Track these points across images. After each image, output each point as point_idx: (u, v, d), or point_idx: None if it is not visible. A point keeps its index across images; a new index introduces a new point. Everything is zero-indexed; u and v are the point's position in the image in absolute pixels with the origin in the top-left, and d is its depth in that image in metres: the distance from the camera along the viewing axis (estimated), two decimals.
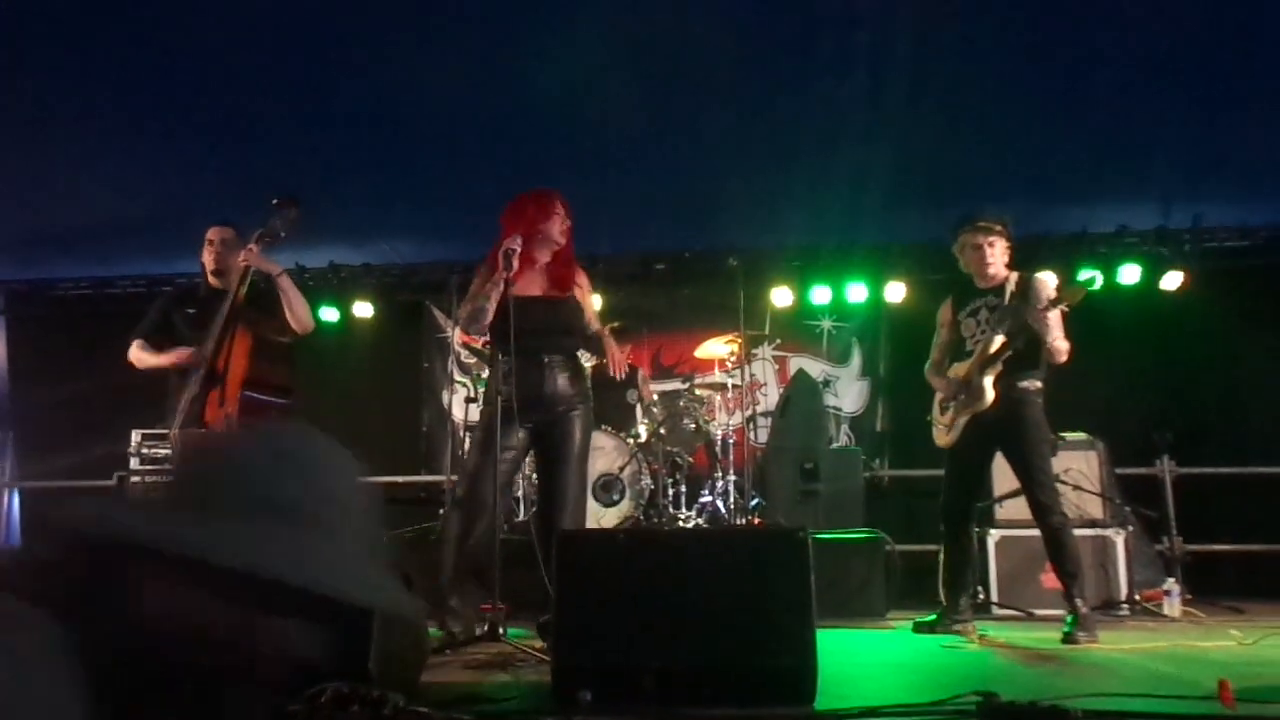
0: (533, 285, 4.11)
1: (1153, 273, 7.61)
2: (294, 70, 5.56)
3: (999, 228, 4.62)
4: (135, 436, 6.48)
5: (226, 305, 4.16)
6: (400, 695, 2.29)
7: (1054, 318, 4.43)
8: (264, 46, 5.30)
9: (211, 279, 4.58)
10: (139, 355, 4.54)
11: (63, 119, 5.99)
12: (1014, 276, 4.63)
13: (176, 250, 7.94)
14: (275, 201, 4.26)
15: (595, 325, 4.30)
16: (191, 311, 4.53)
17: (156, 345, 4.53)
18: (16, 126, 6.05)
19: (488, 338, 4.31)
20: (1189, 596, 5.81)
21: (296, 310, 4.39)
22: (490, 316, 4.04)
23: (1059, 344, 4.42)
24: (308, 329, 4.49)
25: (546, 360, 4.08)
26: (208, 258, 4.59)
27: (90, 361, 7.89)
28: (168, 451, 6.43)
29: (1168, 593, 5.54)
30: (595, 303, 4.76)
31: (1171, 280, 7.58)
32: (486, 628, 3.63)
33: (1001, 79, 5.63)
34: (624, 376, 4.32)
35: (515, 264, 3.92)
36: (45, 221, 7.42)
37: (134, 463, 6.46)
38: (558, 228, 4.14)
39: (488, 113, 5.97)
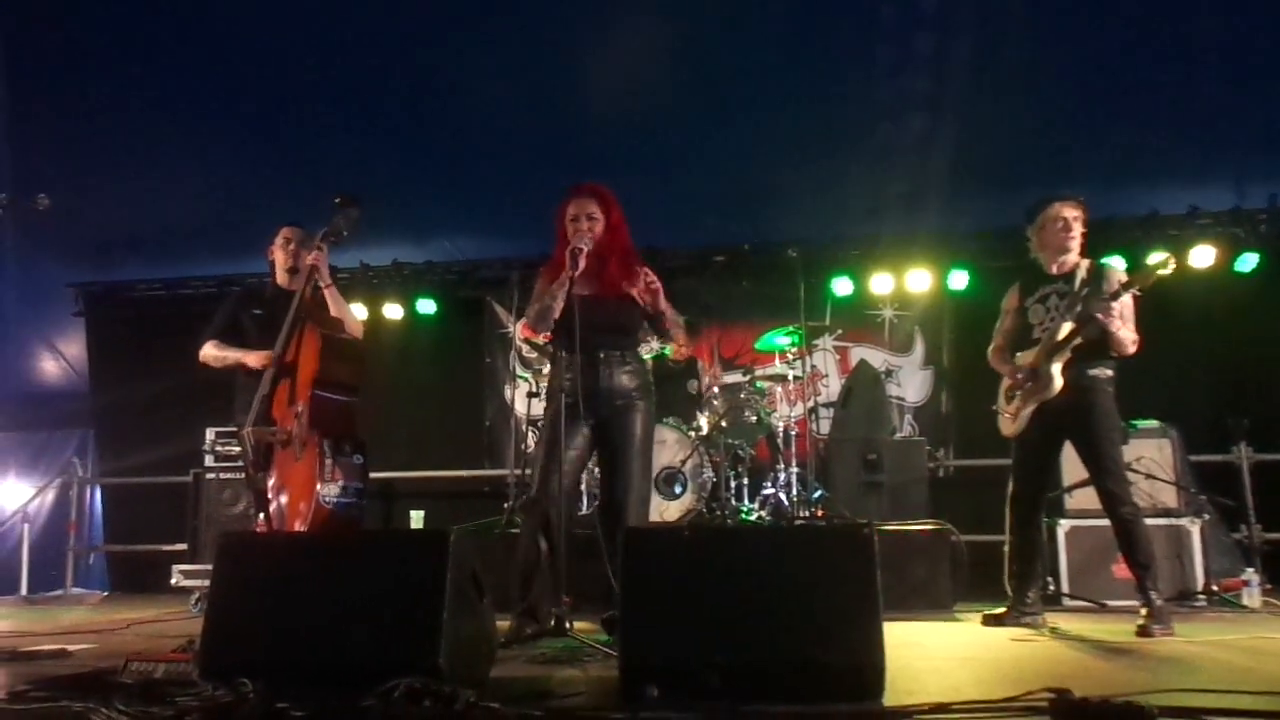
0: (589, 284, 4.10)
1: (1227, 255, 7.40)
2: (356, 73, 5.66)
3: (1083, 205, 4.54)
4: (209, 434, 6.68)
5: (295, 304, 4.22)
6: (471, 691, 2.33)
7: (1125, 304, 4.33)
8: (327, 51, 5.40)
9: (281, 277, 4.68)
10: (213, 353, 4.62)
11: (134, 127, 6.17)
12: (1085, 264, 4.54)
13: (244, 251, 8.13)
14: (337, 200, 4.31)
15: (669, 313, 4.20)
16: (259, 312, 4.64)
17: (227, 345, 4.62)
18: (90, 134, 6.24)
19: (549, 334, 4.33)
20: (1269, 586, 5.67)
21: (347, 322, 4.45)
22: (557, 314, 4.07)
23: (1123, 335, 4.30)
24: (357, 336, 4.55)
25: (604, 356, 4.10)
26: (281, 256, 4.69)
27: (165, 361, 8.10)
28: (240, 449, 6.64)
29: (1247, 583, 5.41)
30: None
31: (1247, 262, 7.38)
32: (553, 623, 3.66)
33: (1067, 59, 5.53)
34: (684, 351, 4.28)
35: (581, 263, 3.93)
36: (119, 226, 7.64)
37: (208, 460, 6.66)
38: (574, 234, 4.08)
39: (546, 110, 6.02)
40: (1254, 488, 6.56)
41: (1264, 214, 7.44)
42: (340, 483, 4.00)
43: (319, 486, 3.89)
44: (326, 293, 4.42)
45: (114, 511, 9.18)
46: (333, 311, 4.42)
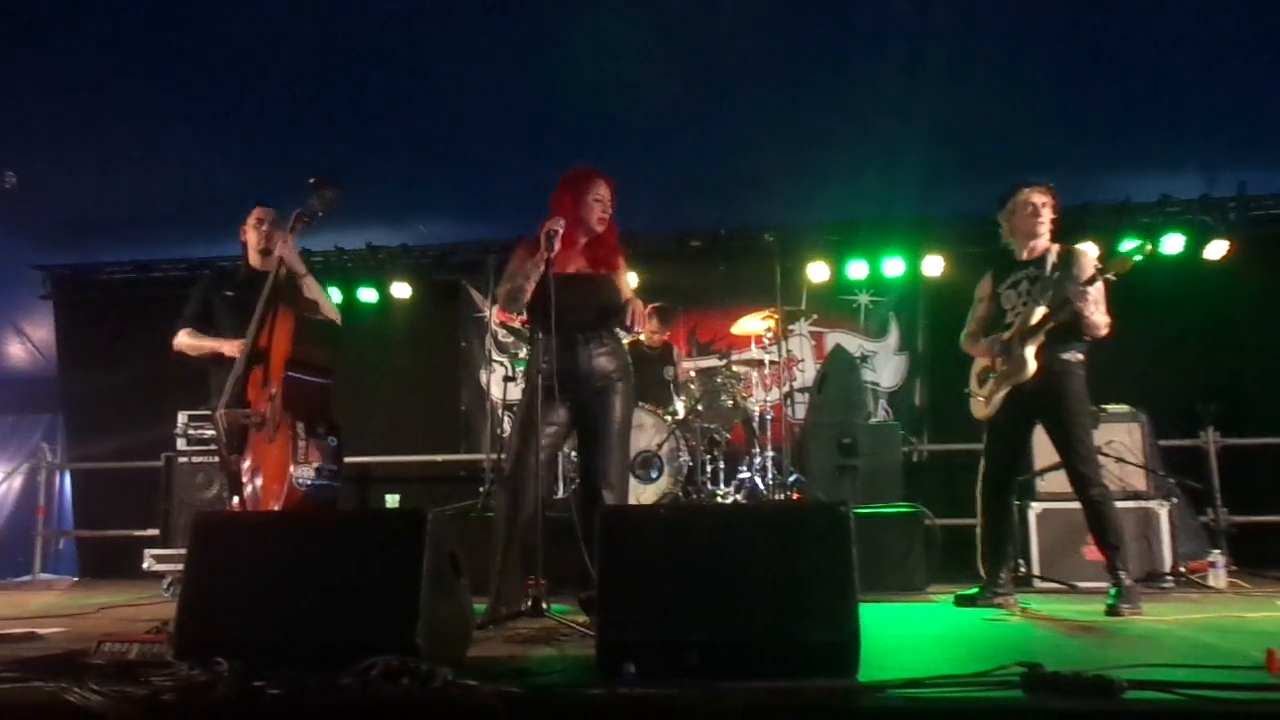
0: (570, 263, 4.11)
1: (1197, 242, 7.49)
2: (330, 54, 5.60)
3: (1053, 192, 4.58)
4: (181, 418, 6.62)
5: (268, 286, 4.19)
6: (448, 669, 2.33)
7: (1097, 290, 4.38)
8: (301, 32, 5.34)
9: (254, 258, 4.64)
10: (187, 342, 4.59)
11: (103, 107, 6.08)
12: (1056, 248, 4.58)
13: (217, 234, 8.04)
14: (312, 181, 4.27)
15: (627, 294, 4.26)
16: (230, 294, 4.60)
17: (201, 330, 4.59)
18: (59, 116, 6.14)
19: (525, 316, 4.32)
20: (1234, 568, 5.75)
21: (323, 307, 4.41)
22: (529, 296, 4.07)
23: (1096, 318, 4.35)
24: (334, 320, 4.51)
25: (582, 337, 4.11)
26: (254, 236, 4.64)
27: (136, 344, 8.04)
28: (213, 432, 6.58)
29: (1213, 564, 5.49)
30: (631, 280, 4.72)
31: (1216, 249, 7.46)
32: (530, 603, 3.67)
33: (1040, 48, 5.56)
34: (639, 328, 4.29)
35: (557, 245, 3.94)
36: (89, 208, 7.53)
37: (181, 444, 6.60)
38: (595, 215, 4.15)
39: (523, 93, 5.99)
40: (1220, 472, 6.67)
41: (1233, 202, 7.53)
42: (314, 464, 3.99)
43: (293, 469, 3.88)
44: (303, 283, 4.38)
45: (84, 496, 9.08)
46: (307, 295, 4.38)
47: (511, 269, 4.19)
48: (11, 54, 5.52)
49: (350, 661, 2.35)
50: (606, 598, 2.61)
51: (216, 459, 6.47)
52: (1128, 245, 4.44)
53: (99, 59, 5.57)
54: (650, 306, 4.74)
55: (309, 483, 3.93)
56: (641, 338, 7.08)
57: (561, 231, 3.97)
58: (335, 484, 4.11)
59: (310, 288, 4.41)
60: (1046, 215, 4.57)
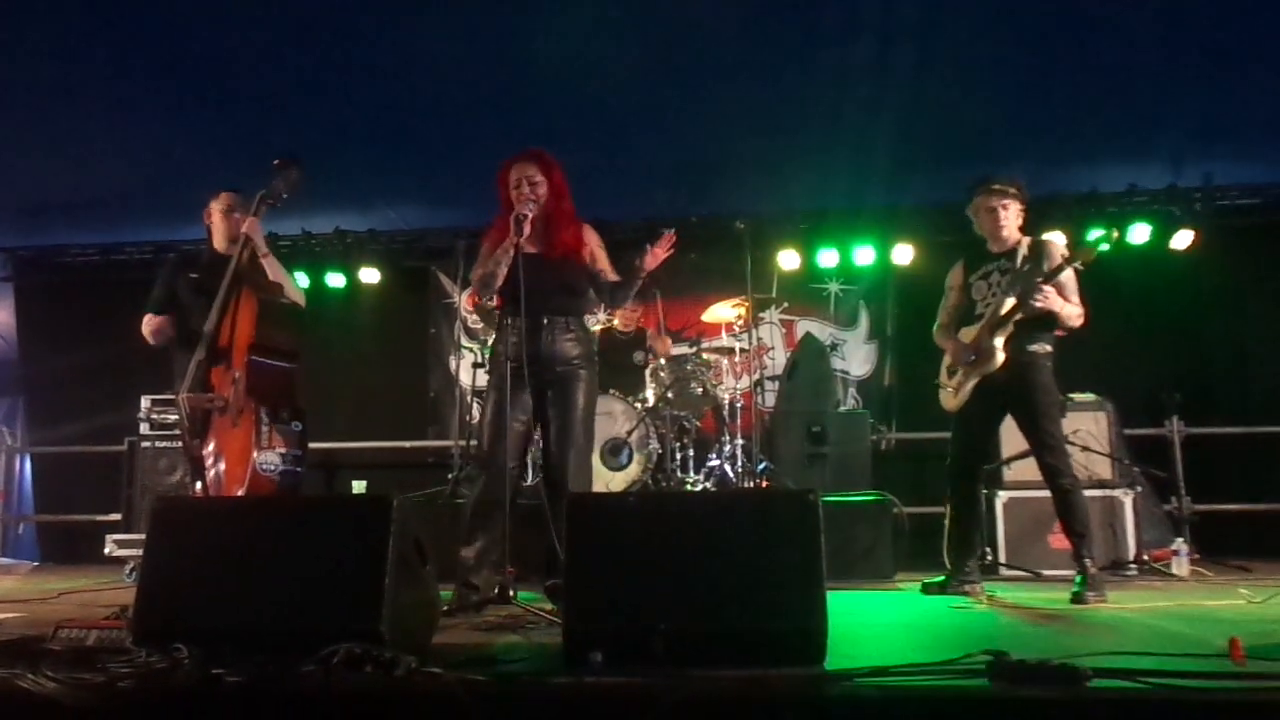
0: (531, 245, 4.07)
1: (1163, 232, 7.56)
2: (297, 36, 5.51)
3: (1013, 190, 4.58)
4: (145, 402, 6.54)
5: (231, 268, 4.13)
6: (412, 657, 2.31)
7: (1068, 279, 4.41)
8: (268, 13, 5.25)
9: (220, 243, 4.52)
10: (152, 327, 4.44)
11: (67, 87, 5.95)
12: (1026, 240, 4.60)
13: (182, 217, 7.90)
14: (276, 163, 4.23)
15: (611, 275, 4.26)
16: (195, 276, 4.47)
17: (167, 314, 4.46)
18: (21, 94, 6.02)
19: (498, 301, 4.30)
20: (1197, 556, 5.83)
21: (286, 289, 4.34)
22: (501, 281, 4.04)
23: (1068, 310, 4.38)
24: (299, 304, 4.44)
25: (547, 321, 4.09)
26: (220, 223, 4.53)
27: (99, 328, 7.92)
28: (176, 417, 6.47)
29: (1176, 552, 5.56)
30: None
31: (1182, 239, 7.54)
32: (497, 591, 3.65)
33: (1008, 38, 5.56)
34: (665, 250, 4.27)
35: (526, 229, 3.91)
36: (51, 189, 7.41)
37: (144, 428, 6.52)
38: (524, 198, 4.05)
39: (492, 78, 5.93)
40: (1184, 461, 6.74)
41: (1199, 192, 7.61)
42: (278, 450, 3.96)
43: (256, 454, 3.84)
44: (264, 261, 4.31)
45: (45, 480, 8.94)
46: (270, 278, 4.31)
47: (483, 254, 4.17)
48: None
49: (313, 649, 2.31)
50: (573, 586, 2.59)
51: (180, 444, 6.42)
52: (1095, 235, 4.45)
53: (62, 38, 5.45)
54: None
55: (272, 468, 3.89)
56: (615, 323, 7.06)
57: (530, 216, 3.94)
58: (299, 469, 4.07)
59: (274, 269, 4.34)
60: (1007, 215, 4.59)
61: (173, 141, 6.64)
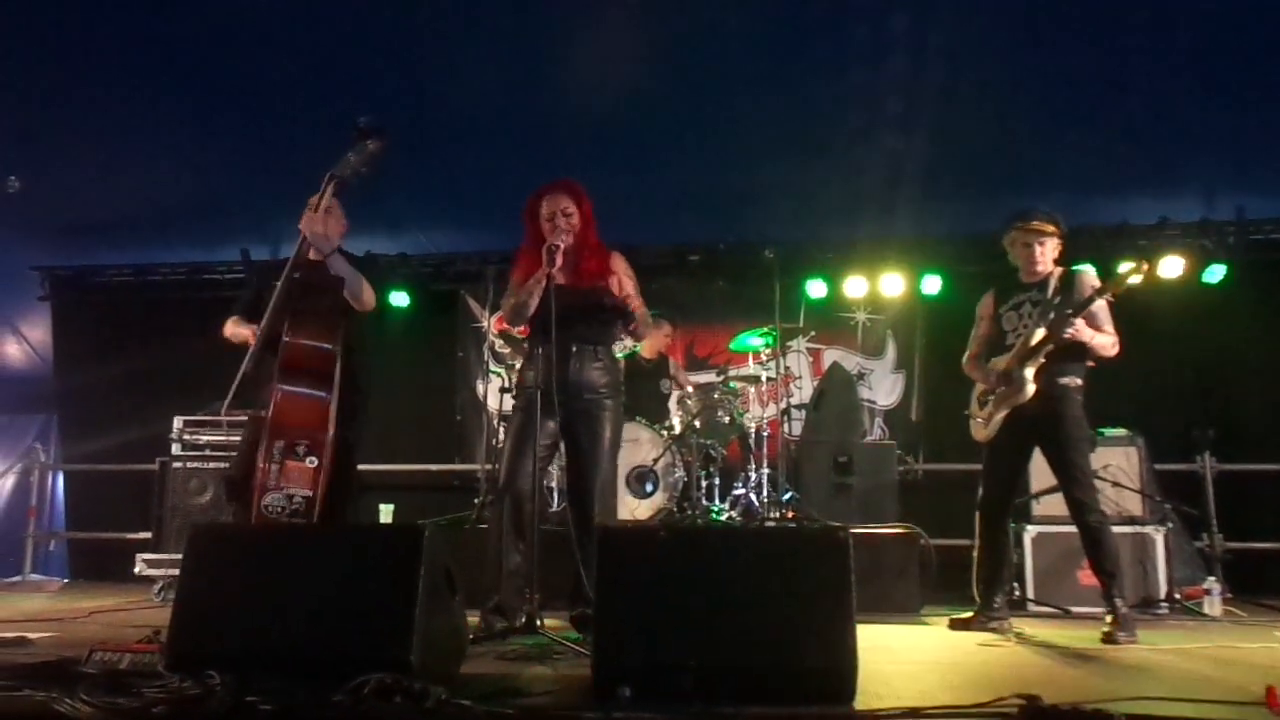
0: (561, 275, 4.08)
1: (1195, 265, 7.49)
2: (332, 62, 5.59)
3: (1051, 228, 4.57)
4: (177, 423, 6.60)
5: (283, 278, 3.90)
6: (442, 688, 2.32)
7: (1100, 309, 4.39)
8: (303, 39, 5.34)
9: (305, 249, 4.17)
10: (229, 329, 4.30)
11: (104, 110, 6.06)
12: (1058, 271, 4.59)
13: (216, 239, 8.04)
14: (360, 127, 3.79)
15: (638, 303, 4.19)
16: (278, 284, 4.09)
17: (246, 321, 4.22)
18: (60, 117, 6.13)
19: (526, 328, 4.32)
20: (1230, 595, 5.75)
21: (349, 286, 4.08)
22: (533, 311, 4.07)
23: (1100, 339, 4.37)
24: (367, 308, 4.23)
25: (575, 349, 4.11)
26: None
27: (132, 347, 8.03)
28: (207, 438, 6.48)
29: (1208, 591, 5.48)
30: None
31: (1214, 273, 7.47)
32: (523, 619, 3.65)
33: (1040, 69, 5.57)
34: (643, 330, 4.26)
35: (559, 260, 3.93)
36: (88, 210, 7.51)
37: (175, 448, 6.59)
38: (555, 230, 4.06)
39: (523, 105, 5.98)
40: (1216, 497, 6.65)
41: (1232, 226, 7.54)
42: (285, 491, 3.71)
43: (263, 496, 3.70)
44: (328, 262, 4.02)
45: (76, 498, 9.02)
46: (333, 273, 4.02)
47: (513, 283, 4.20)
48: (13, 56, 5.51)
49: (343, 677, 2.33)
50: (603, 618, 2.60)
51: (211, 465, 6.46)
52: (1125, 266, 4.44)
53: (101, 62, 5.55)
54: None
55: (278, 510, 3.69)
56: (640, 350, 7.07)
57: (563, 247, 3.96)
58: (305, 510, 3.74)
59: (336, 265, 4.05)
60: (1042, 250, 4.58)
61: (208, 164, 6.73)
